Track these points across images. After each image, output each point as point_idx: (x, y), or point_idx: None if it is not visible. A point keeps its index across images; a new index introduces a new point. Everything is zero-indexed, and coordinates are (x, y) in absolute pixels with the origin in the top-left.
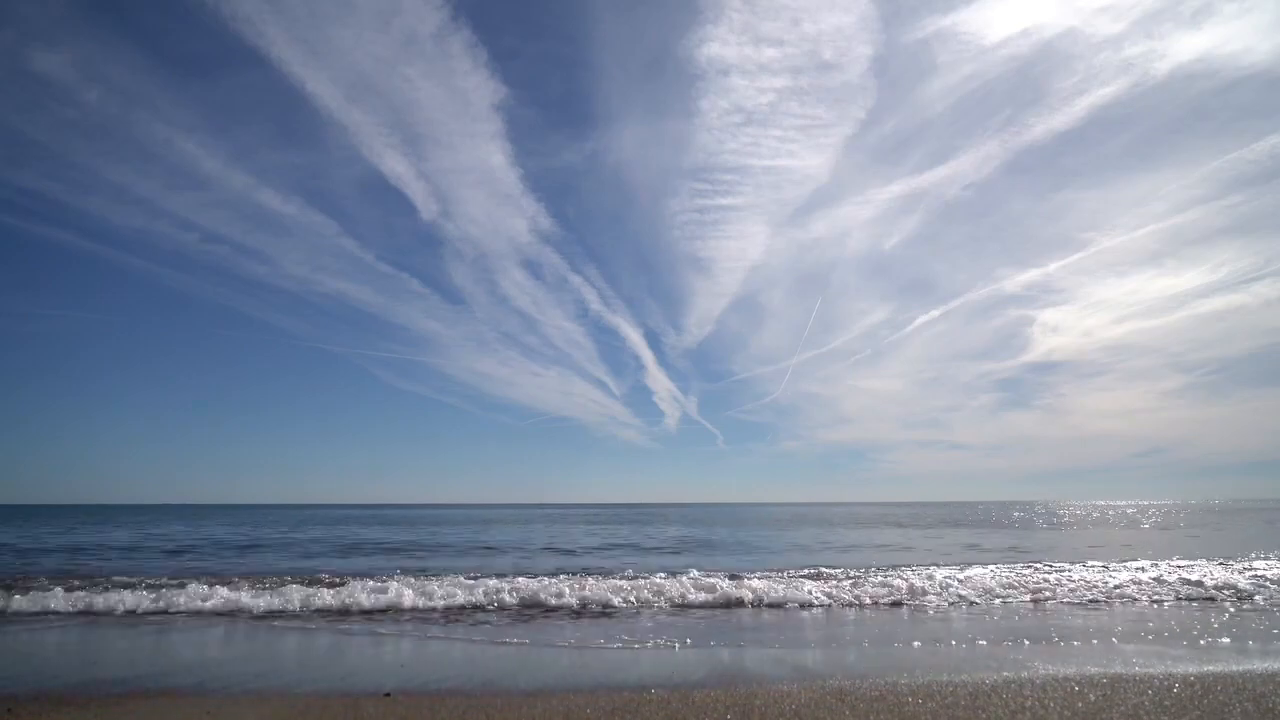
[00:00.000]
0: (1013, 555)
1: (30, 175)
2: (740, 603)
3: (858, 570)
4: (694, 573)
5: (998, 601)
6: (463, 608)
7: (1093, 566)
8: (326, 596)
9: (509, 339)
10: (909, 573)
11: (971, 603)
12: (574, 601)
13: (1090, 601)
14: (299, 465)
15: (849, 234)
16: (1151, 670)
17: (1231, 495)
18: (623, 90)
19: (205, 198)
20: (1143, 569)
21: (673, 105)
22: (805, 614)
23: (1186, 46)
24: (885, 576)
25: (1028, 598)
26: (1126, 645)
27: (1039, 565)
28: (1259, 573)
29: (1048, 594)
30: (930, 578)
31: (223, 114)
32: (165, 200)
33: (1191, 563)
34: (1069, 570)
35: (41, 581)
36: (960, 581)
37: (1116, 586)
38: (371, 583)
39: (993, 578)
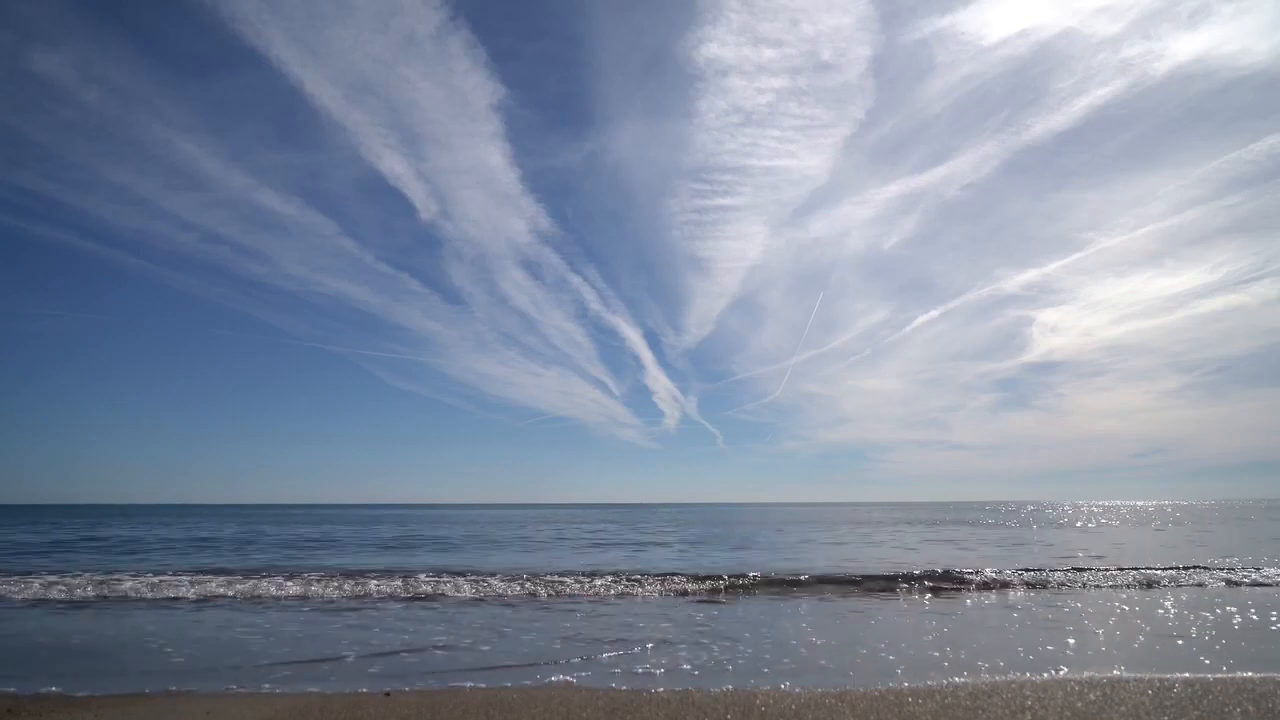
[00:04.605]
0: None
1: (30, 175)
2: None
3: None
4: None
5: None
6: None
7: None
8: None
9: (509, 339)
10: None
11: None
12: None
13: None
14: (299, 465)
15: (848, 234)
16: (1152, 671)
17: (1231, 495)
18: (621, 91)
19: (205, 198)
20: None
21: (671, 106)
22: None
23: (1184, 47)
24: None
25: None
26: None
27: None
28: None
29: None
30: None
31: (222, 114)
32: (165, 200)
33: None
34: None
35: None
36: None
37: None
38: None
39: None
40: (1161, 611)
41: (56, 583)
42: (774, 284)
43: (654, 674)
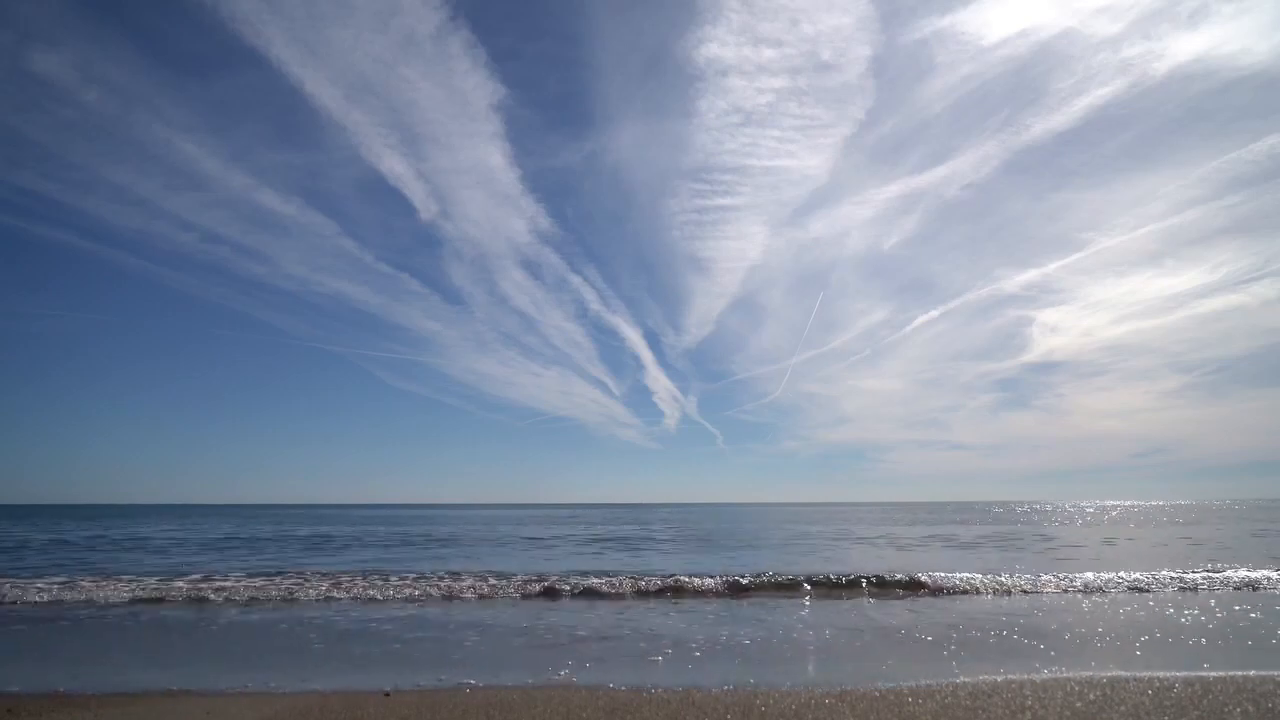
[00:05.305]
0: None
1: (30, 175)
2: None
3: None
4: None
5: None
6: None
7: None
8: None
9: (508, 339)
10: None
11: None
12: None
13: None
14: (299, 465)
15: (848, 234)
16: (1151, 670)
17: (1232, 495)
18: (621, 91)
19: (204, 198)
20: None
21: (671, 106)
22: None
23: (1184, 47)
24: None
25: None
26: None
27: None
28: None
29: None
30: None
31: (222, 114)
32: (165, 200)
33: None
34: None
35: None
36: None
37: None
38: None
39: None
40: (1165, 612)
41: (57, 583)
42: (774, 284)
43: (654, 674)
